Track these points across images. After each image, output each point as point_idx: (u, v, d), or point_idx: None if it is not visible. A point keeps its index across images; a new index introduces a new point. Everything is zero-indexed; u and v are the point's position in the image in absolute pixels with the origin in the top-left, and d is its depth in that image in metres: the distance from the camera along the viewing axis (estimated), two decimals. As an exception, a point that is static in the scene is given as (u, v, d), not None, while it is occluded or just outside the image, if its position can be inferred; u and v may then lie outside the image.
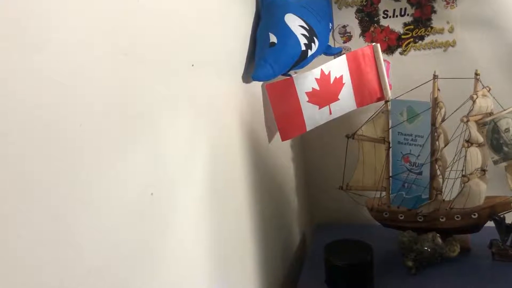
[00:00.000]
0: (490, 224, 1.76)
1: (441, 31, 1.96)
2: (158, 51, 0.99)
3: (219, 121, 1.32)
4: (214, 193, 1.25)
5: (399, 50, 2.03)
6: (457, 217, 1.77)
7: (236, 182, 1.45)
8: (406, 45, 2.01)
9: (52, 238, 0.67)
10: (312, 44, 1.57)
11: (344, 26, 2.06)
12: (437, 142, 1.73)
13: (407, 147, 1.80)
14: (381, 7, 2.00)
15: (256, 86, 1.61)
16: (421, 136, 1.75)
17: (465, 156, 1.68)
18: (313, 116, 1.69)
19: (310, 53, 1.56)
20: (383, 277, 1.70)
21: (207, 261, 1.21)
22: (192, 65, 1.14)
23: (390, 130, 1.83)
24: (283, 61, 1.48)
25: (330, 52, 1.93)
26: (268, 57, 1.44)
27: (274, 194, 1.84)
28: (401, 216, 1.87)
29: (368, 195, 1.96)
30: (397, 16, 1.99)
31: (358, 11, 2.03)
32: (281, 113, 1.64)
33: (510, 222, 1.75)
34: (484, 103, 1.67)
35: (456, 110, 1.67)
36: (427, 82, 1.73)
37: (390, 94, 1.81)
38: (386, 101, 1.81)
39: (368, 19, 2.02)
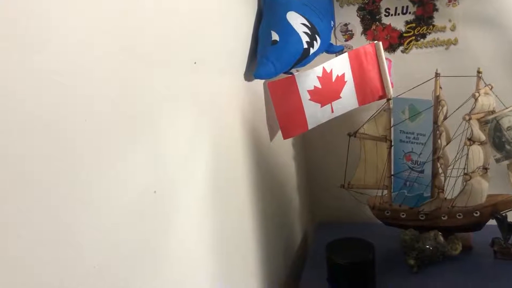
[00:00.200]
0: (492, 222, 1.76)
1: (443, 29, 1.95)
2: (159, 50, 0.98)
3: (221, 119, 1.32)
4: (216, 192, 1.25)
5: (401, 48, 2.03)
6: (459, 216, 1.77)
7: (238, 180, 1.45)
8: (408, 43, 2.01)
9: (52, 238, 0.67)
10: (314, 42, 1.56)
11: (345, 24, 2.06)
12: (439, 140, 1.73)
13: (409, 145, 1.80)
14: (383, 5, 1.99)
15: (258, 84, 1.61)
16: (423, 134, 1.75)
17: (467, 154, 1.68)
18: (315, 114, 1.69)
19: (312, 51, 1.56)
20: (384, 276, 1.70)
21: (210, 260, 1.21)
22: (195, 63, 1.14)
23: (392, 128, 1.82)
24: (285, 59, 1.48)
25: (332, 50, 1.92)
26: (270, 55, 1.44)
27: (276, 193, 1.84)
28: (403, 215, 1.87)
29: (369, 194, 1.95)
30: (399, 14, 1.98)
31: (359, 9, 2.02)
32: (283, 111, 1.64)
33: (512, 221, 1.75)
34: (486, 101, 1.67)
35: (458, 108, 1.67)
36: (429, 80, 1.73)
37: (392, 92, 1.81)
38: (388, 99, 1.81)
39: (370, 17, 2.02)
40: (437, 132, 1.73)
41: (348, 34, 2.07)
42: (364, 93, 1.78)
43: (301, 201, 2.24)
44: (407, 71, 1.99)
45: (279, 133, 1.70)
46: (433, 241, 1.76)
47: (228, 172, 1.36)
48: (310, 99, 1.66)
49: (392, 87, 1.83)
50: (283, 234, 1.92)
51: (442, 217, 1.80)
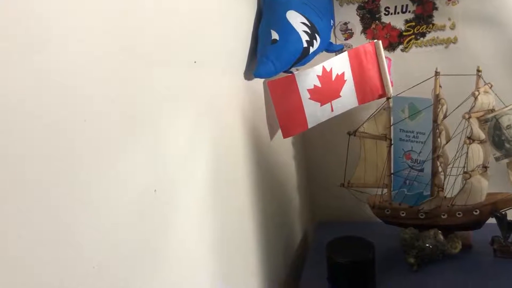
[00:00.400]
0: (492, 220, 1.76)
1: (442, 28, 1.95)
2: (159, 50, 0.98)
3: (221, 119, 1.32)
4: (216, 191, 1.25)
5: (401, 47, 2.03)
6: (459, 214, 1.77)
7: (238, 180, 1.45)
8: (408, 42, 2.01)
9: (51, 238, 0.67)
10: (314, 41, 1.57)
11: (345, 23, 2.06)
12: (438, 139, 1.73)
13: (409, 144, 1.80)
14: (383, 4, 1.99)
15: (258, 83, 1.61)
16: (423, 133, 1.75)
17: (467, 153, 1.68)
18: (315, 113, 1.69)
19: (311, 50, 1.56)
20: (384, 274, 1.70)
21: (210, 259, 1.21)
22: (195, 62, 1.14)
23: (392, 127, 1.82)
24: (284, 58, 1.48)
25: (332, 49, 1.92)
26: (270, 54, 1.44)
27: (276, 192, 1.84)
28: (403, 213, 1.87)
29: (369, 192, 1.96)
30: (398, 13, 1.98)
31: (359, 8, 2.02)
32: (283, 110, 1.64)
33: (511, 219, 1.75)
34: (486, 100, 1.67)
35: (458, 106, 1.67)
36: (428, 79, 1.73)
37: (391, 91, 1.81)
38: (388, 98, 1.81)
39: (370, 16, 2.02)
40: (437, 130, 1.73)
41: (348, 33, 2.07)
42: (364, 92, 1.78)
43: (301, 200, 2.24)
44: (407, 70, 1.99)
45: (279, 132, 1.70)
46: (433, 239, 1.76)
47: (228, 171, 1.36)
48: (310, 98, 1.66)
49: (392, 86, 1.83)
50: (283, 233, 1.93)
51: (442, 216, 1.80)
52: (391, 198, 1.90)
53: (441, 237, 1.77)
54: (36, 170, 0.65)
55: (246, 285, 1.49)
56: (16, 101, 0.62)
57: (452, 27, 1.94)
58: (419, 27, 1.97)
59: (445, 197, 1.80)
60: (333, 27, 2.01)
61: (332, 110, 1.73)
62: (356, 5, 2.02)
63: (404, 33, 2.00)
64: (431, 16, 1.95)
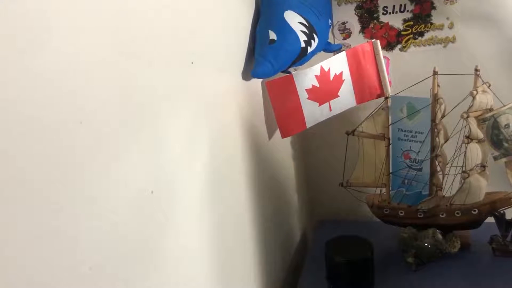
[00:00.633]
0: (491, 220, 1.77)
1: (440, 27, 1.96)
2: (157, 50, 0.98)
3: (219, 118, 1.32)
4: (214, 191, 1.25)
5: (399, 46, 2.03)
6: (457, 213, 1.77)
7: (236, 179, 1.45)
8: (406, 42, 2.01)
9: (49, 238, 0.67)
10: (312, 41, 1.57)
11: (343, 23, 2.06)
12: (437, 138, 1.73)
13: (407, 144, 1.80)
14: (381, 3, 1.99)
15: (256, 83, 1.61)
16: (421, 132, 1.75)
17: (465, 152, 1.68)
18: (313, 113, 1.69)
19: (309, 50, 1.56)
20: (383, 273, 1.70)
21: (208, 259, 1.21)
22: (192, 63, 1.14)
23: (390, 127, 1.83)
24: (282, 58, 1.48)
25: (330, 48, 1.92)
26: (268, 54, 1.45)
27: (274, 191, 1.84)
28: (401, 213, 1.87)
29: (368, 192, 1.96)
30: (396, 12, 1.98)
31: (357, 8, 2.03)
32: (281, 110, 1.64)
33: (510, 218, 1.75)
34: (484, 99, 1.67)
35: (456, 106, 1.67)
36: (427, 78, 1.73)
37: (390, 91, 1.81)
38: (386, 98, 1.81)
39: (368, 15, 2.02)
40: (435, 130, 1.73)
41: (346, 33, 2.08)
42: (362, 92, 1.78)
43: (300, 199, 2.24)
44: (405, 69, 1.99)
45: (278, 132, 1.71)
46: (431, 239, 1.76)
47: (226, 171, 1.36)
48: (308, 98, 1.66)
49: (390, 85, 1.83)
50: (282, 233, 1.93)
51: (441, 215, 1.80)
52: (389, 197, 1.90)
53: (440, 236, 1.77)
54: (32, 170, 0.65)
55: (245, 284, 1.49)
56: (16, 101, 0.62)
57: (450, 27, 1.95)
58: (417, 26, 1.98)
59: (443, 196, 1.81)
60: (331, 27, 2.01)
61: (331, 110, 1.73)
62: (354, 4, 2.03)
63: (402, 33, 2.01)
64: (429, 15, 1.96)
